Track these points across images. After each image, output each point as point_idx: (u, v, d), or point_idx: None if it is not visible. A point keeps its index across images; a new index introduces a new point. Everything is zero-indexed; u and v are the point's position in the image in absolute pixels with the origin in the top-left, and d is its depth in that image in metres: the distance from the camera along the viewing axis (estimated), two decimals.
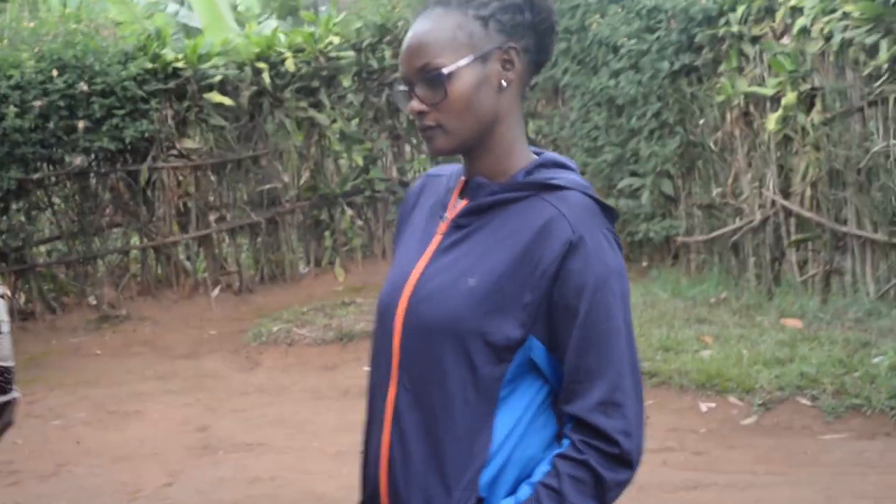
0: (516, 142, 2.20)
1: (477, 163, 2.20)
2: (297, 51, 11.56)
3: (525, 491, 2.07)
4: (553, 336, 2.09)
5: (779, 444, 6.50)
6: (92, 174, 11.04)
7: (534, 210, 2.10)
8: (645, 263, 10.73)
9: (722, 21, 9.54)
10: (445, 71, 2.09)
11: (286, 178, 11.71)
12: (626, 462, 2.05)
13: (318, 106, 11.72)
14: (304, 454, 7.04)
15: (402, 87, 2.18)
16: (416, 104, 2.14)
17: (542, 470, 2.08)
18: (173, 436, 7.63)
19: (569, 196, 2.10)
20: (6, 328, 2.56)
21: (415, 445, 2.14)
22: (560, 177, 2.15)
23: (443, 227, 2.22)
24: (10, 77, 10.06)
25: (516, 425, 2.11)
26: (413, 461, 2.14)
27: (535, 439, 2.13)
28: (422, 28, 2.14)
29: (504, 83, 2.14)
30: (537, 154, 2.24)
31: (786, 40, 8.97)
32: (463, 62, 2.10)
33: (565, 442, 2.09)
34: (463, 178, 2.26)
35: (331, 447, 7.12)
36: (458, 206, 2.22)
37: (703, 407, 7.12)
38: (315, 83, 11.63)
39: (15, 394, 2.65)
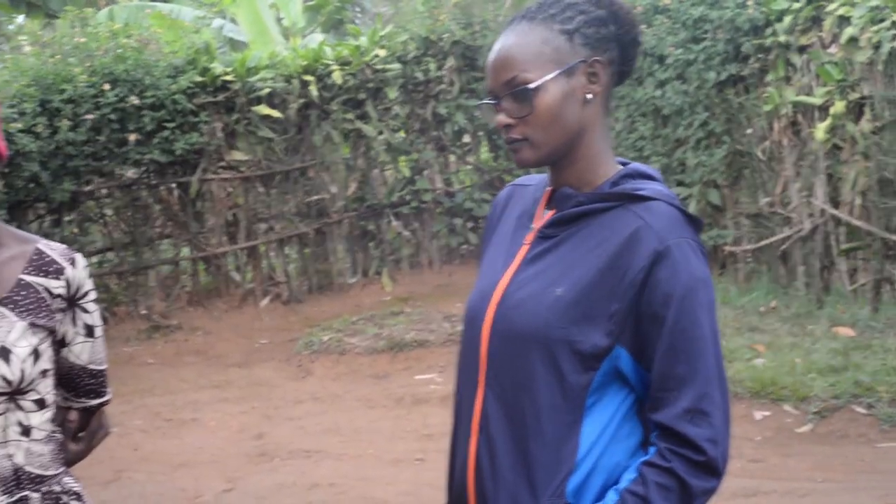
0: (602, 153, 2.23)
1: (563, 173, 2.23)
2: (344, 63, 11.67)
3: (612, 498, 2.09)
4: (640, 345, 2.11)
5: (835, 452, 6.53)
6: (143, 186, 11.18)
7: (620, 221, 2.13)
8: None
9: (769, 31, 9.56)
10: (532, 85, 2.13)
11: (333, 189, 11.81)
12: (713, 470, 2.07)
13: (364, 118, 11.83)
14: (361, 461, 7.12)
15: (487, 101, 2.22)
16: (502, 118, 2.18)
17: (628, 477, 2.10)
18: (230, 443, 7.73)
19: (655, 206, 2.13)
20: (100, 332, 2.65)
21: (503, 452, 2.17)
22: (646, 187, 2.18)
23: (530, 237, 2.25)
24: (62, 91, 10.21)
25: (602, 433, 2.14)
26: (501, 467, 2.17)
27: (621, 447, 2.16)
28: (508, 42, 2.18)
29: (589, 96, 2.17)
30: (623, 164, 2.28)
31: (833, 49, 8.98)
32: (549, 76, 2.14)
33: (651, 449, 2.11)
34: (549, 188, 2.29)
35: (387, 455, 7.20)
36: (545, 216, 2.26)
37: (758, 415, 7.15)
38: (362, 95, 11.73)
39: (109, 395, 2.74)
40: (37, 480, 2.49)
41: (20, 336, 2.43)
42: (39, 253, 2.52)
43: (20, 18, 23.20)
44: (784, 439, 6.82)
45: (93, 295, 2.60)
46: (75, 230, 10.97)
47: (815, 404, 7.05)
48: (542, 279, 2.17)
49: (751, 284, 10.09)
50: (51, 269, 2.51)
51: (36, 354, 2.45)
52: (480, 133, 12.42)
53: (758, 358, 7.90)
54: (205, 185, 11.25)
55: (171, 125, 10.68)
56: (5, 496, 2.44)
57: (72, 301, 2.55)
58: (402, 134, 12.21)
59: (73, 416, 2.67)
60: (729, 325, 8.82)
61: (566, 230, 2.19)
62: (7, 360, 2.40)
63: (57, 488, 2.53)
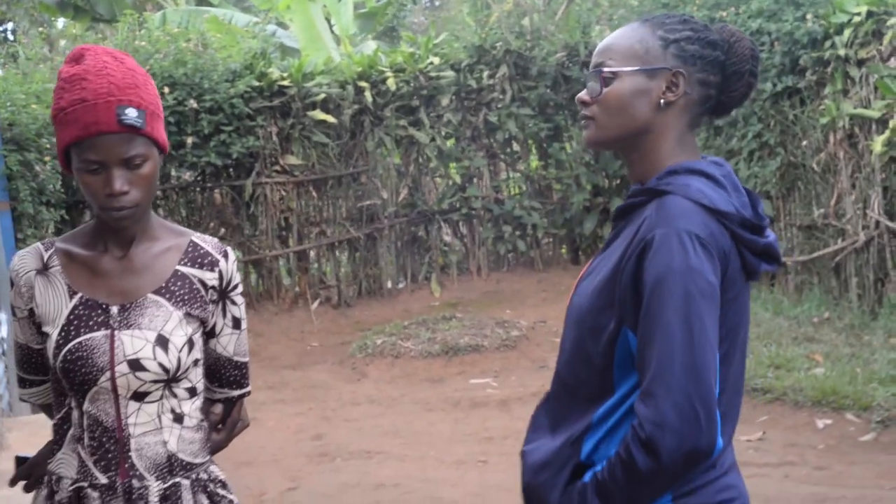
0: (669, 157, 2.35)
1: (632, 168, 2.41)
2: (398, 70, 11.79)
3: (600, 467, 2.27)
4: None
5: None
6: (197, 188, 11.30)
7: (641, 214, 2.28)
8: None
9: (827, 44, 9.59)
10: (606, 70, 2.33)
11: (385, 195, 11.92)
12: (652, 450, 2.15)
13: (417, 124, 11.93)
14: (423, 463, 7.18)
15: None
16: (581, 94, 2.40)
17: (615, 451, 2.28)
18: (290, 443, 7.81)
19: (667, 200, 2.24)
20: (244, 325, 2.73)
21: (553, 406, 2.44)
22: (677, 182, 2.27)
23: (611, 229, 2.47)
24: None
25: (621, 403, 2.29)
26: (552, 419, 2.43)
27: None
28: (616, 33, 2.40)
29: (663, 102, 2.32)
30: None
31: (893, 63, 9.00)
32: (627, 69, 2.32)
33: None
34: None
35: (449, 457, 7.26)
36: None
37: (820, 423, 7.18)
38: (415, 102, 11.84)
39: (249, 387, 2.81)
40: (187, 467, 2.55)
41: (176, 325, 2.50)
42: (194, 245, 2.60)
43: (60, 23, 23.47)
44: (848, 447, 6.84)
45: (240, 288, 2.68)
46: None
47: (877, 413, 7.07)
48: (596, 270, 2.37)
49: (801, 296, 10.11)
50: (205, 260, 2.59)
51: (190, 343, 2.53)
52: (530, 141, 12.50)
53: (817, 367, 7.93)
54: (258, 188, 11.36)
55: (228, 129, 10.82)
56: (159, 482, 2.51)
57: (223, 293, 2.62)
58: (452, 141, 12.29)
59: (218, 407, 2.73)
60: (785, 334, 8.87)
61: (621, 223, 2.38)
62: (165, 348, 2.47)
63: (204, 476, 2.59)
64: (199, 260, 2.58)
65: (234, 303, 2.66)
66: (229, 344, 2.70)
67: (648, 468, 2.15)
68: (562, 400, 2.41)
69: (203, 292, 2.57)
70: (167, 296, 2.52)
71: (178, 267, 2.56)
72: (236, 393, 2.77)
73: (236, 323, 2.69)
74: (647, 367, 2.17)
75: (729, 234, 2.25)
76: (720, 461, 2.33)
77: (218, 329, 2.66)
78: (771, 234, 2.35)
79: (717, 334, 2.20)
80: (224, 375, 2.73)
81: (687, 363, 2.14)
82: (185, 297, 2.54)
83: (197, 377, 2.60)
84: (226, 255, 2.63)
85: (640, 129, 2.34)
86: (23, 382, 2.69)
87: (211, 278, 2.59)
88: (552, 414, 2.44)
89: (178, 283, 2.55)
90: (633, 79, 2.31)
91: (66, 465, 2.52)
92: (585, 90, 2.39)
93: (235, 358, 2.72)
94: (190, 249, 2.59)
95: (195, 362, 2.57)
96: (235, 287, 2.66)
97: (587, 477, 2.29)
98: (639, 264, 2.20)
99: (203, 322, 2.59)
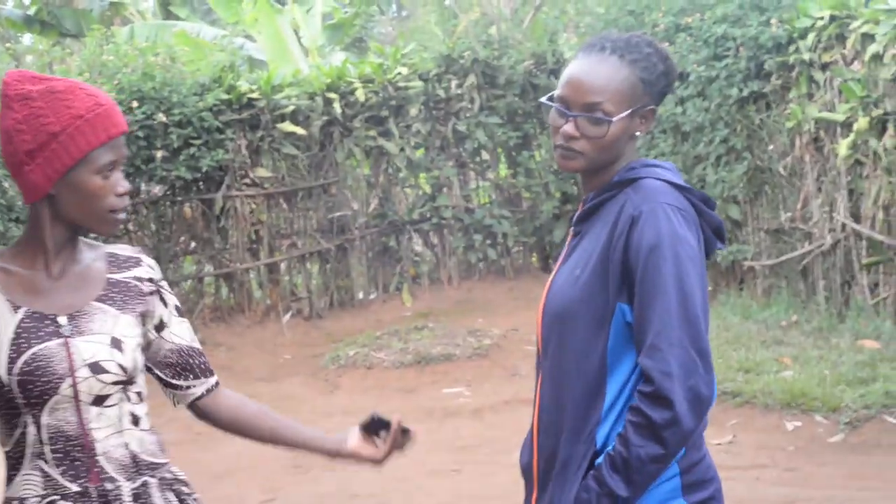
0: (624, 162, 2.62)
1: (590, 182, 2.65)
2: (367, 81, 11.82)
3: (613, 444, 2.44)
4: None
5: (869, 461, 6.64)
6: (167, 202, 11.30)
7: (617, 202, 2.52)
8: (710, 288, 10.85)
9: (792, 48, 9.69)
10: (615, 119, 2.51)
11: (355, 206, 11.96)
12: (664, 400, 2.35)
13: (386, 135, 11.96)
14: (398, 472, 7.16)
15: (557, 105, 2.58)
16: (571, 129, 2.55)
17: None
18: (266, 455, 7.74)
19: (642, 183, 2.52)
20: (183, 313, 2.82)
21: (548, 410, 2.60)
22: (642, 171, 2.55)
23: (569, 237, 2.72)
24: None
25: (623, 388, 2.48)
26: (548, 423, 2.59)
27: None
28: (599, 71, 2.55)
29: (637, 134, 2.60)
30: None
31: (857, 66, 9.11)
32: (625, 114, 2.52)
33: None
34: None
35: (423, 466, 7.27)
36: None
37: (790, 426, 7.27)
38: (384, 112, 11.88)
39: (217, 375, 2.83)
40: (152, 467, 2.61)
41: (126, 327, 2.57)
42: (113, 255, 2.67)
43: (27, 39, 23.42)
44: (817, 449, 6.93)
45: (165, 283, 2.75)
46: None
47: (846, 414, 7.16)
48: (570, 267, 2.60)
49: (770, 299, 10.19)
50: (129, 262, 2.67)
51: (139, 346, 2.60)
52: (499, 150, 12.56)
53: (786, 370, 8.02)
54: (229, 201, 11.36)
55: (198, 142, 10.82)
56: (129, 482, 2.55)
57: (157, 283, 2.70)
58: (422, 151, 12.34)
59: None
60: (753, 338, 8.95)
61: (587, 224, 2.63)
62: (120, 349, 2.53)
63: (168, 475, 2.65)
64: (124, 264, 2.66)
65: (168, 292, 2.74)
66: (182, 331, 2.75)
67: (665, 419, 2.34)
68: (560, 409, 2.56)
69: (140, 286, 2.64)
70: (109, 302, 2.58)
71: (108, 275, 2.62)
72: (213, 380, 2.81)
73: (178, 310, 2.76)
74: (648, 327, 2.39)
75: (693, 209, 2.51)
76: (702, 441, 2.54)
77: (166, 318, 2.71)
78: None
79: (703, 295, 2.44)
80: (194, 364, 2.76)
81: (683, 319, 2.39)
82: (125, 300, 2.61)
83: (143, 382, 2.64)
84: (140, 253, 2.72)
85: (616, 158, 2.58)
86: None
87: (142, 272, 2.67)
88: (556, 428, 2.57)
89: (115, 289, 2.61)
90: (624, 121, 2.53)
91: (28, 485, 2.53)
92: (572, 125, 2.54)
93: (194, 344, 2.77)
94: (111, 259, 2.65)
95: (144, 367, 2.63)
96: (161, 280, 2.73)
97: (599, 461, 2.44)
98: (628, 239, 2.43)
99: (146, 316, 2.65)
